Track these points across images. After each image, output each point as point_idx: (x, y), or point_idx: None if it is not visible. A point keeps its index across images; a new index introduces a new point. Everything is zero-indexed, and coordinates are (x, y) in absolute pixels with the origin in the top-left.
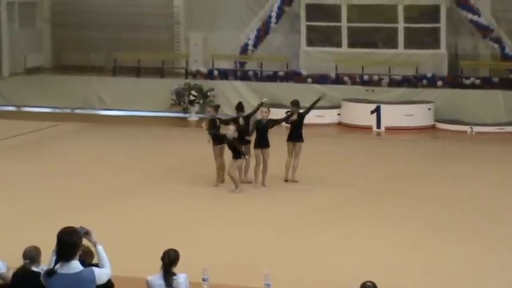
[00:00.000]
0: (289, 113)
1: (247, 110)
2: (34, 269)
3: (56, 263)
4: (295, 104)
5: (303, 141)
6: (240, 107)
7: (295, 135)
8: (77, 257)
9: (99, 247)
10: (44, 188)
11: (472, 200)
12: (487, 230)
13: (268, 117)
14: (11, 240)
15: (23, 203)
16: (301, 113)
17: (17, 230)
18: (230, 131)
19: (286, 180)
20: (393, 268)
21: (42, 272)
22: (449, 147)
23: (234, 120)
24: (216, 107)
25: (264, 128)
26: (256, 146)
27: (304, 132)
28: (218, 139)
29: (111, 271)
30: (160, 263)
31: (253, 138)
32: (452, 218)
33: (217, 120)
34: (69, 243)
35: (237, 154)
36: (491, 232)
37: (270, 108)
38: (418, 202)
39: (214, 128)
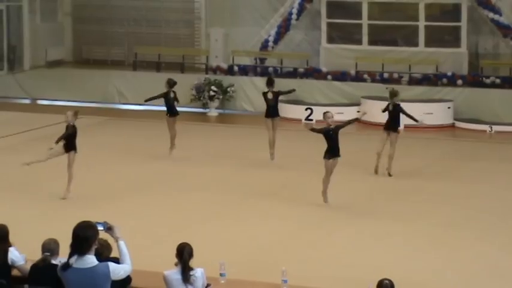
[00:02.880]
0: (361, 113)
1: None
2: (53, 261)
3: (70, 257)
4: (395, 94)
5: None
6: (269, 82)
7: (393, 124)
8: (93, 251)
9: (121, 243)
10: (65, 180)
11: (491, 199)
12: (505, 230)
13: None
14: (29, 232)
15: (42, 196)
16: (397, 104)
17: (36, 223)
18: None
19: (376, 172)
20: (411, 266)
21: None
22: (468, 146)
23: (264, 94)
24: None
25: (334, 134)
26: (328, 156)
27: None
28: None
29: (131, 267)
30: (173, 258)
31: (323, 146)
32: (470, 217)
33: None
34: (84, 237)
35: None
36: (509, 231)
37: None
38: (436, 200)
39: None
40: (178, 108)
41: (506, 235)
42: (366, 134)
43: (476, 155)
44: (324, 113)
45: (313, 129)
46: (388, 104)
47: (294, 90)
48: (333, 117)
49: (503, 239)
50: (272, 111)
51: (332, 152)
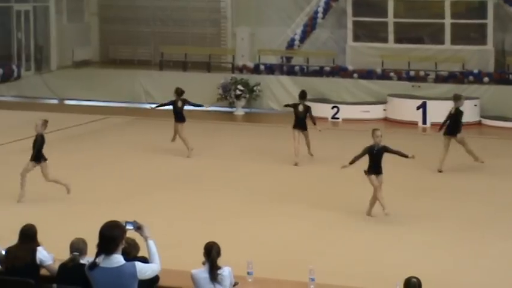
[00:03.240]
0: (405, 155)
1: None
2: (81, 261)
3: (96, 256)
4: (458, 98)
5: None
6: (302, 95)
7: (454, 128)
8: (120, 250)
9: (150, 242)
10: (92, 178)
11: None
12: None
13: (381, 143)
14: (56, 232)
15: (70, 195)
16: (458, 109)
17: (63, 222)
18: None
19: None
20: (436, 264)
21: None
22: (495, 143)
23: (294, 106)
24: None
25: (378, 153)
26: (370, 171)
27: (348, 127)
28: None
29: (160, 267)
30: (201, 256)
31: (366, 163)
32: (497, 213)
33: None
34: (111, 237)
35: None
36: None
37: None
38: (463, 196)
39: None
40: (205, 108)
41: None
42: (392, 132)
43: (503, 152)
44: (373, 131)
45: (353, 162)
46: (452, 108)
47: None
48: (381, 136)
49: None
50: (301, 124)
51: (373, 168)
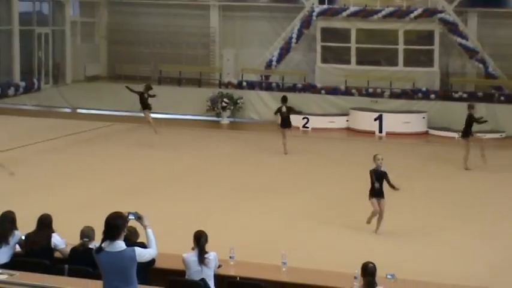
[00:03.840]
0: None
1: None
2: (90, 246)
3: (102, 242)
4: (472, 106)
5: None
6: (284, 99)
7: (469, 131)
8: (122, 237)
9: (149, 230)
10: (100, 176)
11: (459, 193)
12: (470, 218)
13: (382, 166)
14: (68, 221)
15: (81, 190)
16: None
17: (74, 212)
18: None
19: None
20: (392, 251)
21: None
22: (440, 150)
23: (279, 109)
24: None
25: (379, 176)
26: (372, 195)
27: (316, 135)
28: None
29: (156, 251)
30: (191, 242)
31: (367, 186)
32: (443, 209)
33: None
34: (114, 225)
35: None
36: (473, 220)
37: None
38: (414, 195)
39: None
40: (195, 117)
41: (472, 223)
42: (354, 140)
43: (446, 158)
44: (374, 156)
45: (371, 191)
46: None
47: (301, 112)
48: (382, 159)
49: (470, 226)
50: (285, 123)
51: (377, 192)
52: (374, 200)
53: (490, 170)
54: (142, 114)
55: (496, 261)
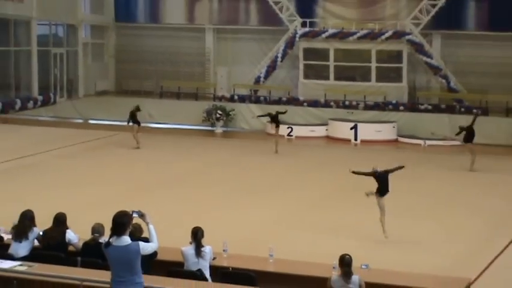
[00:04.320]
0: (399, 167)
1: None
2: (100, 240)
3: (110, 237)
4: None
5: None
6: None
7: (471, 137)
8: (127, 233)
9: (151, 226)
10: (108, 178)
11: (429, 192)
12: (438, 214)
13: (379, 168)
14: (81, 218)
15: (91, 190)
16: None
17: (86, 211)
18: None
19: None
20: (367, 244)
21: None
22: (408, 155)
23: (269, 114)
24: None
25: (383, 177)
26: (381, 193)
27: (299, 143)
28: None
29: (157, 245)
30: (189, 237)
31: (373, 186)
32: (414, 206)
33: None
34: (121, 223)
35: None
36: (441, 215)
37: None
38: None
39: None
40: (192, 127)
41: (447, 219)
42: (332, 147)
43: (413, 161)
44: (373, 168)
45: (355, 172)
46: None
47: (286, 111)
48: (377, 167)
49: (434, 219)
50: (275, 120)
51: (382, 190)
52: (380, 199)
53: (456, 170)
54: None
55: (461, 252)
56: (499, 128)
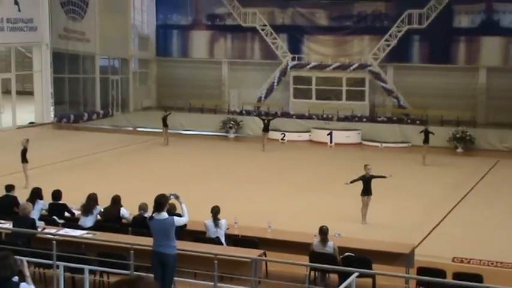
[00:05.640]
0: (383, 176)
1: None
2: (145, 215)
3: (152, 213)
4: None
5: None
6: (266, 114)
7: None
8: (165, 210)
9: (183, 205)
10: (150, 171)
11: (385, 181)
12: (392, 197)
13: (370, 171)
14: (131, 199)
15: (138, 179)
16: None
17: (134, 194)
18: None
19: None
20: (341, 218)
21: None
22: (369, 154)
23: (263, 120)
24: None
25: (368, 180)
26: (363, 194)
27: (290, 145)
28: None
29: (187, 219)
30: (210, 214)
31: (360, 187)
32: (375, 193)
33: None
34: (160, 202)
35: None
36: (395, 198)
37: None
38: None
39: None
40: (212, 133)
41: (399, 200)
42: (314, 148)
43: (373, 159)
44: (365, 165)
45: (353, 181)
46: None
47: (277, 116)
48: (370, 169)
49: (396, 203)
50: (266, 128)
51: (366, 191)
52: (364, 197)
53: (405, 164)
54: (169, 131)
55: (407, 225)
56: (437, 134)
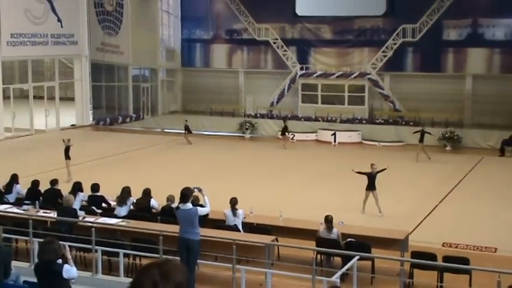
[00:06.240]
0: (383, 169)
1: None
2: (172, 206)
3: (179, 203)
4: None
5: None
6: (284, 118)
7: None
8: (190, 201)
9: (205, 197)
10: (176, 166)
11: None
12: (390, 190)
13: (376, 169)
14: (160, 192)
15: (165, 174)
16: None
17: (163, 187)
18: None
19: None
20: (344, 209)
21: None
22: (368, 152)
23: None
24: None
25: (373, 177)
26: (368, 189)
27: (299, 144)
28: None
29: (209, 209)
30: (228, 204)
31: (362, 182)
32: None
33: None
34: (185, 194)
35: None
36: (392, 190)
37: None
38: (360, 178)
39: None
40: (230, 134)
41: (396, 191)
42: (320, 147)
43: (372, 156)
44: (371, 164)
45: (359, 172)
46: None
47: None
48: (376, 168)
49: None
50: (284, 131)
51: (370, 186)
52: (368, 192)
53: (400, 161)
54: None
55: (401, 214)
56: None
